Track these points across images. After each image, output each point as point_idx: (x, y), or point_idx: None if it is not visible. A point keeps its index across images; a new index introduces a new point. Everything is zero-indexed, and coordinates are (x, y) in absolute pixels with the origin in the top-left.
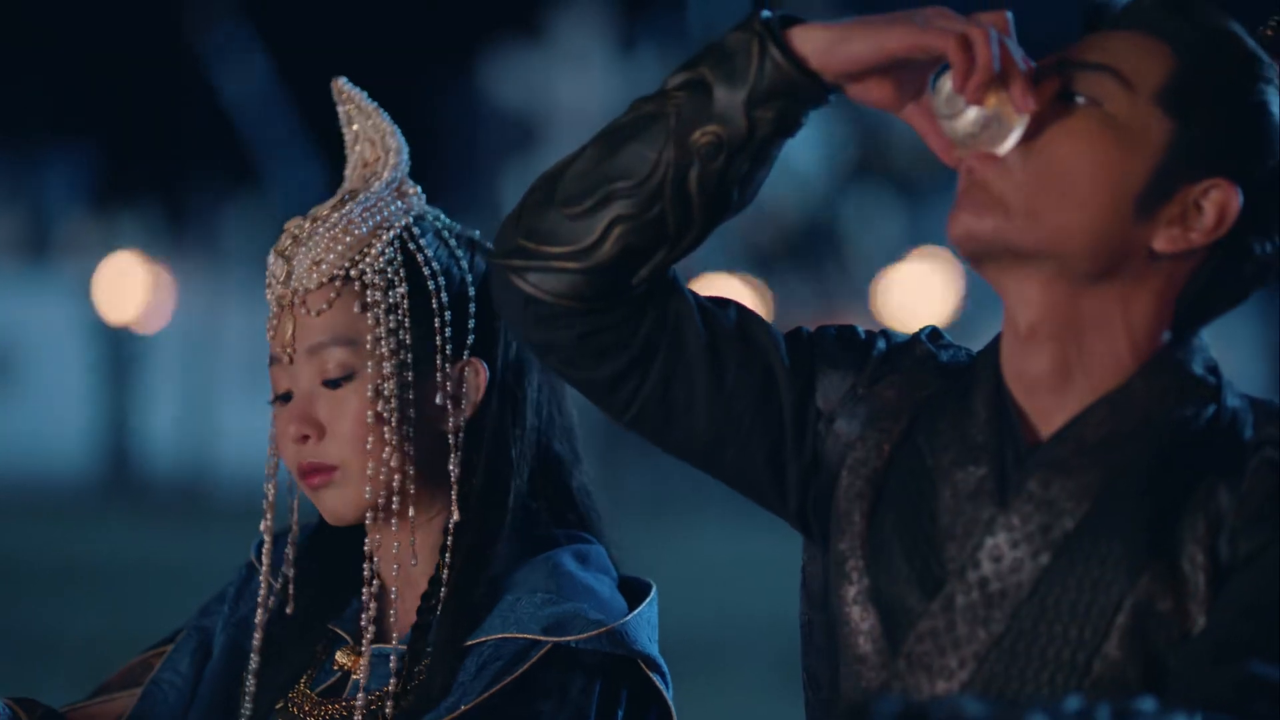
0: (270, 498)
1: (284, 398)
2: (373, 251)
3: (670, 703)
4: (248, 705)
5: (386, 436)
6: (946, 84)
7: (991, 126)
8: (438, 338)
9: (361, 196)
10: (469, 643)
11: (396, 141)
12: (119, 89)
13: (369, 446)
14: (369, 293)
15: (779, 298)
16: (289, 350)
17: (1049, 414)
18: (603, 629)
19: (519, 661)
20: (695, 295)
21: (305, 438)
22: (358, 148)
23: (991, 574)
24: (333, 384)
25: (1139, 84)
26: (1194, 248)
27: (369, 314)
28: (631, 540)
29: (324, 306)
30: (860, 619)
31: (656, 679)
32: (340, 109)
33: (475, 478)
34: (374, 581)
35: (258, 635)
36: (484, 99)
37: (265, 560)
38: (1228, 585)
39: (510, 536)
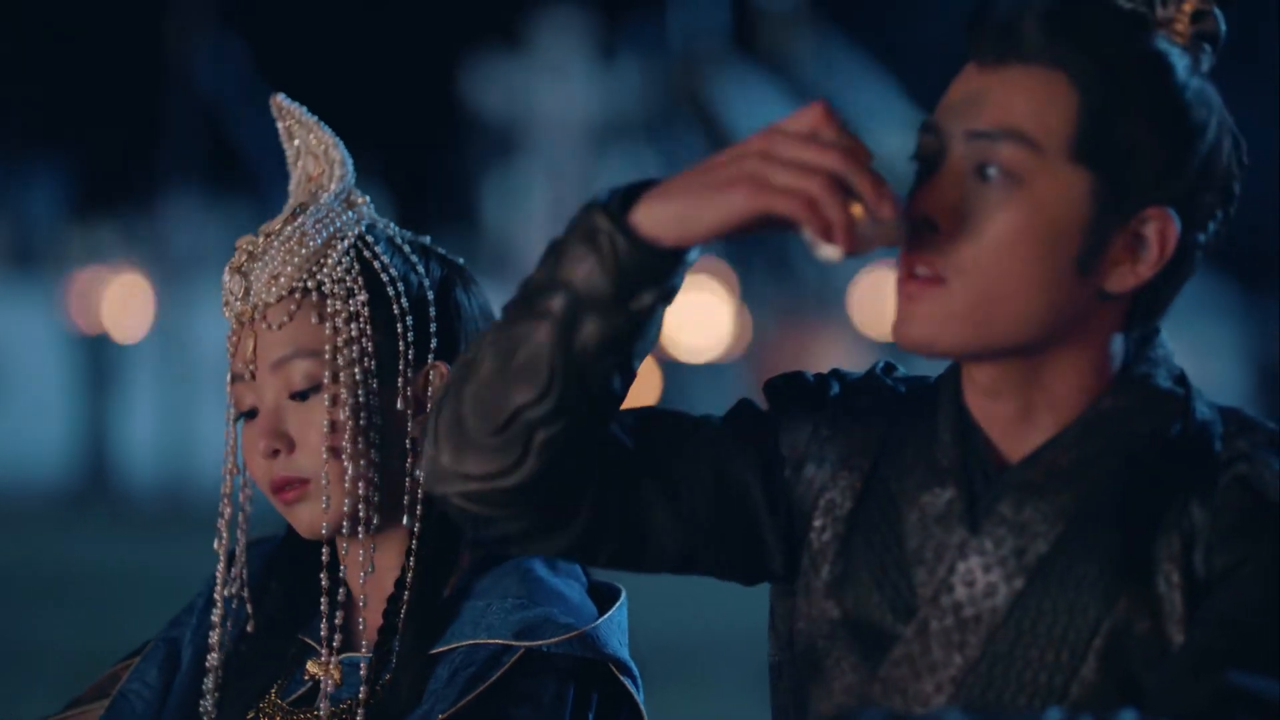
0: (225, 516)
1: (249, 414)
2: (329, 262)
3: (641, 705)
4: (211, 716)
5: (356, 445)
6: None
7: (871, 238)
8: (400, 343)
9: (312, 209)
10: (439, 649)
11: (339, 153)
12: (99, 100)
13: (340, 457)
14: (329, 303)
15: (753, 305)
16: (250, 366)
17: (1017, 440)
18: (574, 633)
19: (492, 668)
20: (621, 428)
21: (276, 452)
22: (300, 163)
23: (965, 599)
24: (300, 396)
25: (1048, 143)
26: (1143, 280)
27: (328, 324)
28: None
29: (285, 319)
30: (835, 647)
31: (627, 682)
32: (280, 125)
33: None
34: (339, 590)
35: (213, 655)
36: (464, 108)
37: (219, 581)
38: (1205, 601)
39: (476, 542)
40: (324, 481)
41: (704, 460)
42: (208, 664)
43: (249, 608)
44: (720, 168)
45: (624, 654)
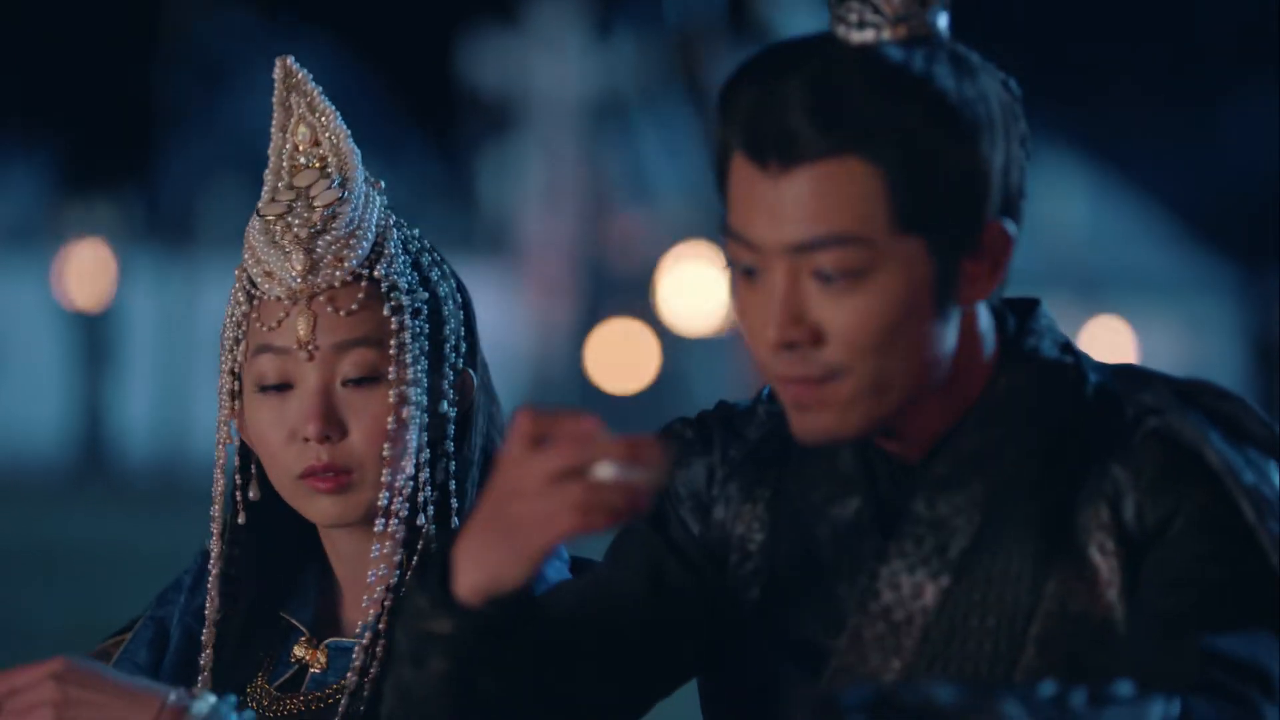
0: (220, 489)
1: (277, 387)
2: (388, 251)
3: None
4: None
5: (410, 441)
6: None
7: (657, 474)
8: (455, 337)
9: (356, 188)
10: None
11: (341, 128)
12: (94, 73)
13: (387, 451)
14: (395, 295)
15: None
16: (309, 347)
17: (916, 435)
18: None
19: None
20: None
21: (327, 437)
22: (290, 127)
23: (893, 602)
24: (354, 382)
25: (872, 232)
26: (997, 284)
27: (395, 318)
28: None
29: (354, 306)
30: (779, 672)
31: None
32: (278, 86)
33: (447, 480)
34: (317, 572)
35: (208, 630)
36: (460, 84)
37: (215, 555)
38: (1147, 561)
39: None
40: (375, 475)
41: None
42: (203, 639)
43: (253, 584)
44: (508, 512)
45: None
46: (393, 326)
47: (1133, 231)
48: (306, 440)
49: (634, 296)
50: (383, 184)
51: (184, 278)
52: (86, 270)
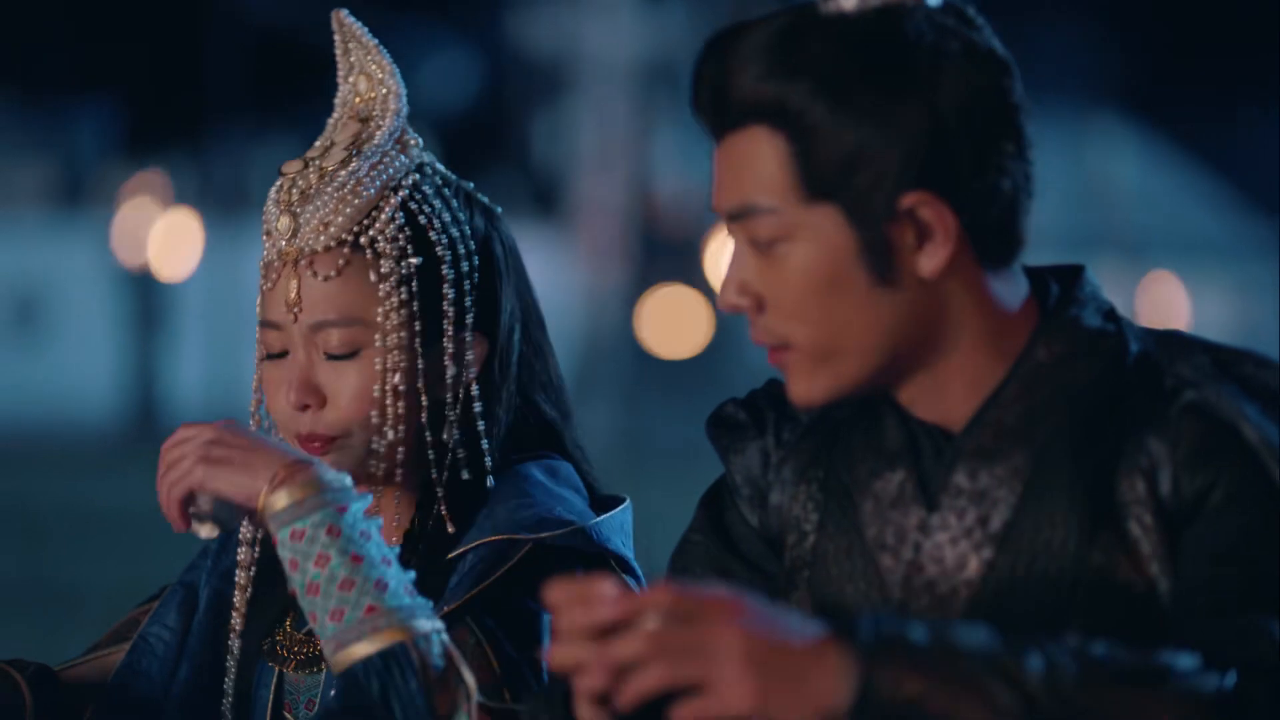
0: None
1: (277, 355)
2: (382, 217)
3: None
4: (235, 649)
5: (393, 411)
6: None
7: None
8: (443, 308)
9: (367, 151)
10: (453, 555)
11: (396, 83)
12: (147, 36)
13: (372, 420)
14: (382, 263)
15: None
16: (295, 310)
17: (955, 407)
18: (574, 526)
19: (500, 561)
20: None
21: (305, 406)
22: (351, 79)
23: (937, 575)
24: (335, 357)
25: (781, 202)
26: (953, 251)
27: (381, 286)
28: (662, 492)
29: (332, 273)
30: None
31: (630, 580)
32: (337, 39)
33: (463, 443)
34: None
35: (241, 572)
36: (512, 48)
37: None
38: (1187, 535)
39: (484, 498)
40: (359, 440)
41: None
42: (237, 580)
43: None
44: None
45: (627, 552)
46: (379, 294)
47: (1183, 193)
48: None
49: (685, 262)
50: (419, 141)
51: (236, 241)
52: (139, 233)
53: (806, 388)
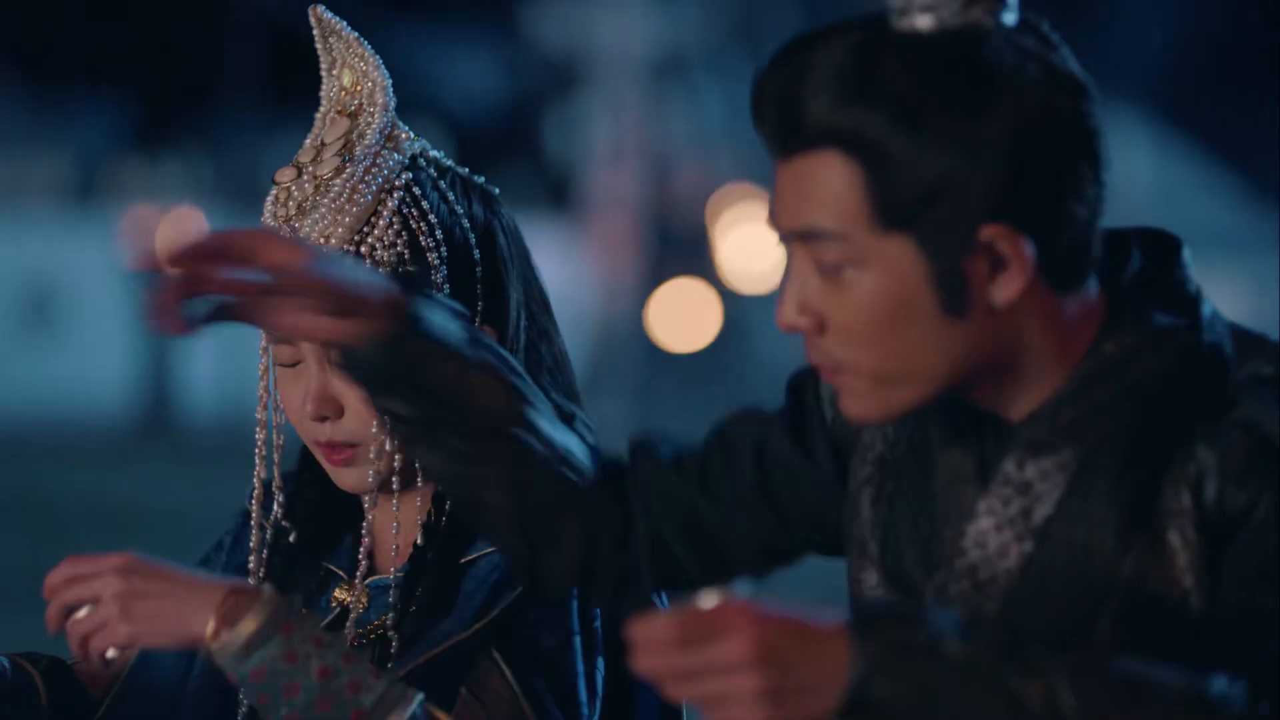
0: (260, 448)
1: (290, 366)
2: (379, 224)
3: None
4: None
5: None
6: None
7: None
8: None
9: (359, 153)
10: (466, 559)
11: (381, 75)
12: (160, 31)
13: (375, 427)
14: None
15: None
16: None
17: (1020, 399)
18: None
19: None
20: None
21: (324, 418)
22: (335, 72)
23: (979, 560)
24: None
25: (851, 230)
26: (1028, 281)
27: None
28: None
29: None
30: (868, 593)
31: None
32: (316, 34)
33: None
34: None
35: (253, 578)
36: (525, 42)
37: (255, 509)
38: (1229, 551)
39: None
40: (372, 451)
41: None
42: (251, 575)
43: (291, 536)
44: None
45: None
46: None
47: (1197, 187)
48: None
49: (697, 255)
50: (410, 134)
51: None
52: (152, 229)
53: (863, 408)
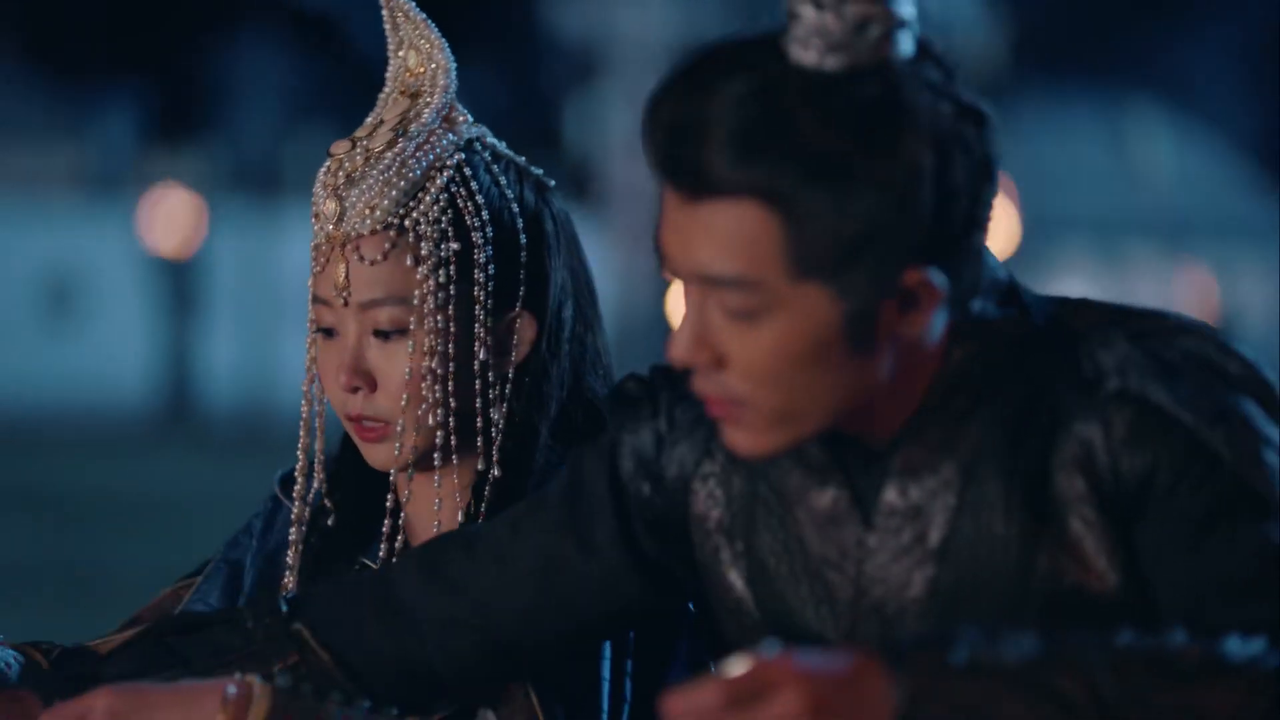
0: (305, 418)
1: (327, 332)
2: (426, 199)
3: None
4: None
5: (435, 392)
6: None
7: None
8: (481, 291)
9: (414, 130)
10: None
11: (445, 58)
12: (178, 22)
13: (420, 400)
14: (423, 245)
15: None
16: (344, 294)
17: (879, 423)
18: None
19: None
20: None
21: (356, 389)
22: (401, 53)
23: (883, 596)
24: (383, 335)
25: (766, 278)
26: (931, 318)
27: (421, 267)
28: None
29: (378, 257)
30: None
31: None
32: (386, 13)
33: (512, 424)
34: (400, 515)
35: (291, 566)
36: (544, 30)
37: (300, 483)
38: (1142, 528)
39: (539, 475)
40: (400, 425)
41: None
42: (285, 582)
43: (330, 518)
44: None
45: None
46: (418, 277)
47: (1219, 177)
48: None
49: None
50: (468, 116)
51: (269, 226)
52: (172, 218)
53: (754, 443)
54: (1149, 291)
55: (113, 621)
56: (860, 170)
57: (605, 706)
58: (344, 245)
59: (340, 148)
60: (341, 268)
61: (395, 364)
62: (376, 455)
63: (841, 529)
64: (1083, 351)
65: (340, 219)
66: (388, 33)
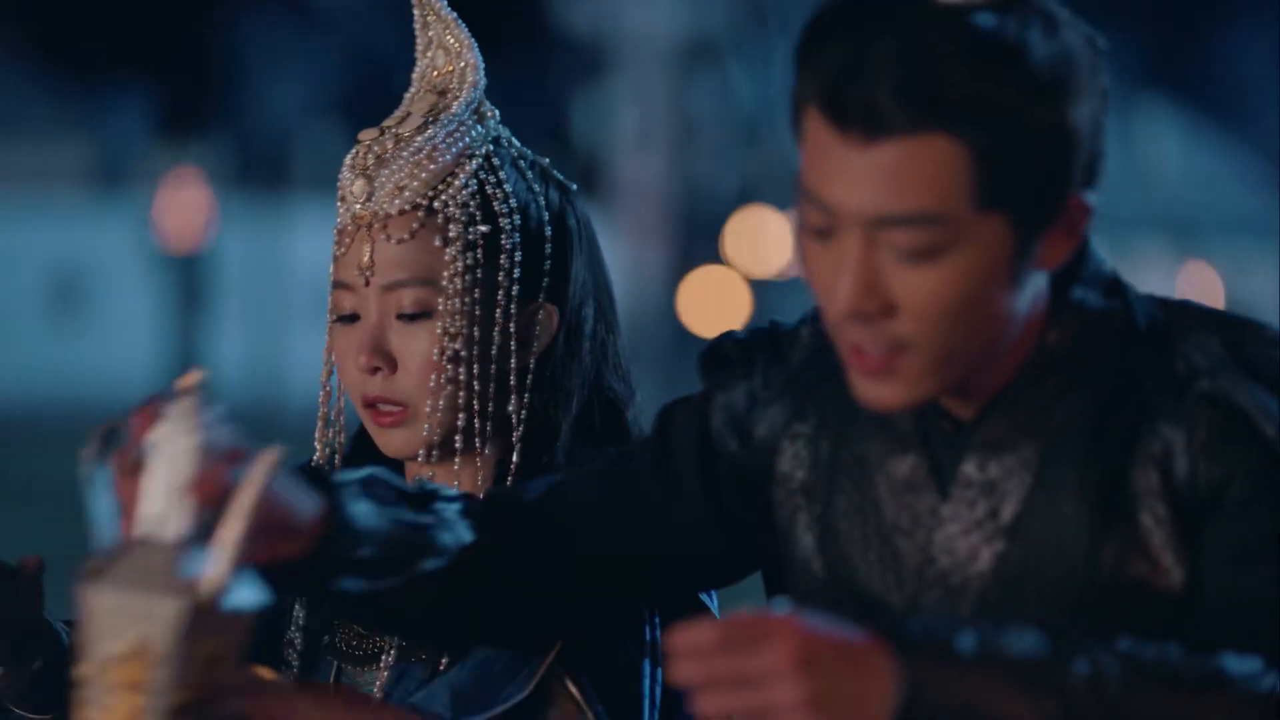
0: (323, 410)
1: (348, 318)
2: (455, 183)
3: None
4: (297, 644)
5: (458, 376)
6: None
7: None
8: (510, 277)
9: (444, 119)
10: None
11: (474, 56)
12: (187, 16)
13: (439, 385)
14: (450, 227)
15: None
16: (367, 273)
17: (972, 391)
18: None
19: None
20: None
21: (376, 369)
22: (430, 53)
23: (949, 566)
24: (407, 317)
25: (953, 211)
26: (1071, 250)
27: (448, 250)
28: None
29: (405, 236)
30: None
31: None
32: (417, 12)
33: (532, 418)
34: None
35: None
36: (552, 26)
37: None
38: (1207, 531)
39: (559, 469)
40: (426, 407)
41: (630, 512)
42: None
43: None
44: None
45: None
46: (445, 258)
47: (1227, 174)
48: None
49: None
50: (496, 113)
51: (277, 221)
52: (180, 213)
53: (903, 394)
54: (1154, 288)
55: None
56: (1041, 97)
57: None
58: (370, 225)
59: (369, 134)
60: (367, 248)
61: (418, 345)
62: (393, 442)
63: (917, 497)
64: (1178, 351)
65: (369, 198)
66: (417, 32)
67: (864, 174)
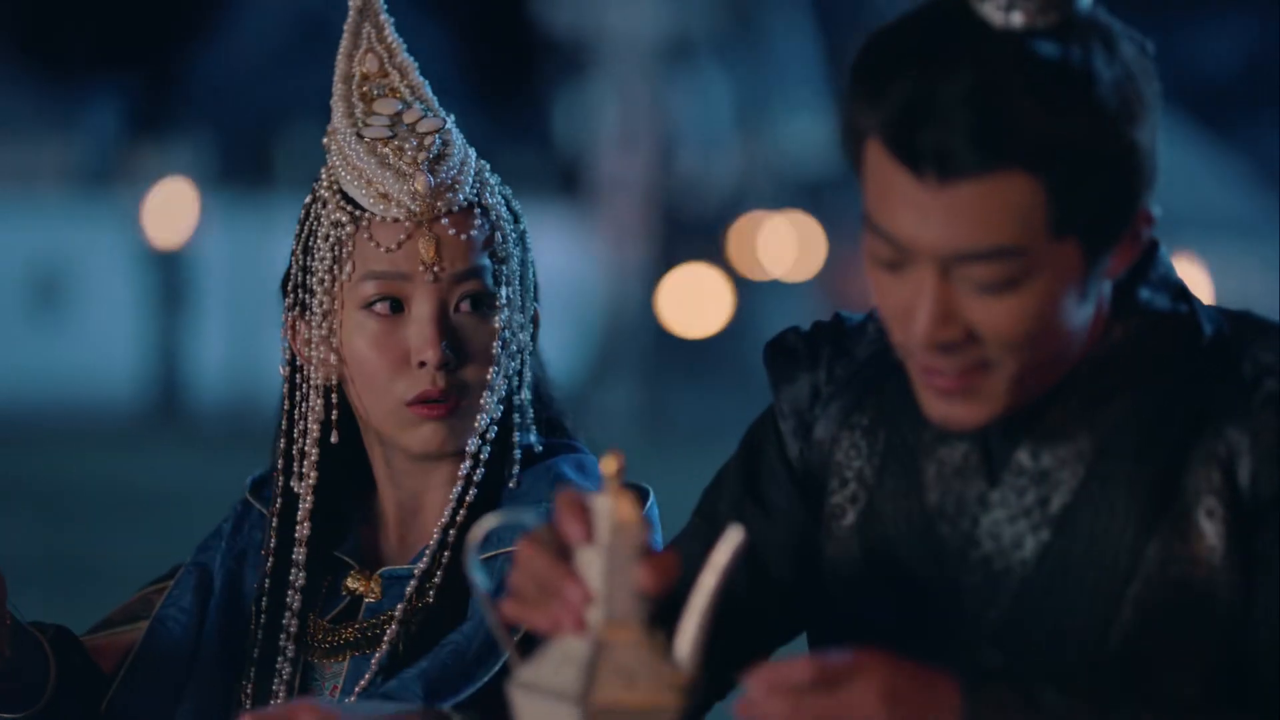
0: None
1: (392, 310)
2: (491, 182)
3: None
4: (259, 638)
5: (510, 367)
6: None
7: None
8: (530, 276)
9: (449, 121)
10: (481, 557)
11: (407, 60)
12: (169, 14)
13: (491, 377)
14: (503, 224)
15: (831, 230)
16: (435, 268)
17: (1029, 385)
18: None
19: None
20: None
21: (446, 363)
22: (357, 56)
23: (993, 552)
24: (471, 310)
25: (1031, 242)
26: (1135, 257)
27: (503, 246)
28: (678, 469)
29: (473, 232)
30: (873, 602)
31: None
32: (352, 15)
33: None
34: (374, 507)
35: (298, 562)
36: (534, 27)
37: (278, 482)
38: (1265, 533)
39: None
40: (483, 400)
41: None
42: (292, 580)
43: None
44: None
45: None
46: (500, 255)
47: (1208, 172)
48: (421, 365)
49: (707, 241)
50: (453, 116)
51: (259, 220)
52: (162, 212)
53: (986, 411)
54: None
55: (101, 612)
56: (1111, 124)
57: None
58: (434, 221)
59: (378, 134)
60: (428, 243)
61: (482, 335)
62: (430, 436)
63: (966, 483)
64: (1245, 354)
65: (432, 195)
66: (345, 34)
67: (938, 213)
